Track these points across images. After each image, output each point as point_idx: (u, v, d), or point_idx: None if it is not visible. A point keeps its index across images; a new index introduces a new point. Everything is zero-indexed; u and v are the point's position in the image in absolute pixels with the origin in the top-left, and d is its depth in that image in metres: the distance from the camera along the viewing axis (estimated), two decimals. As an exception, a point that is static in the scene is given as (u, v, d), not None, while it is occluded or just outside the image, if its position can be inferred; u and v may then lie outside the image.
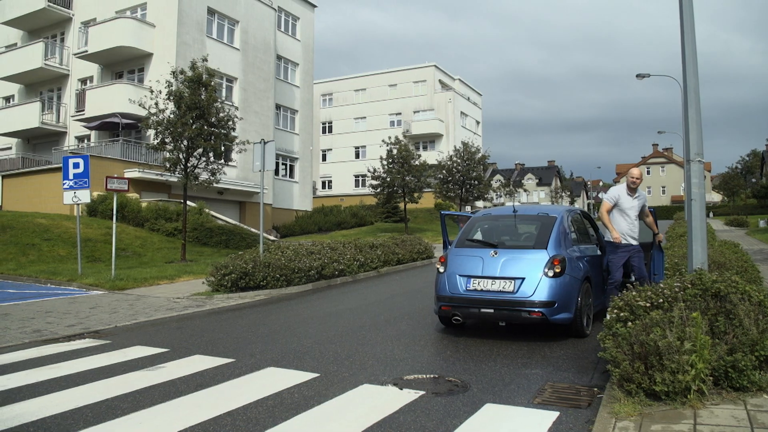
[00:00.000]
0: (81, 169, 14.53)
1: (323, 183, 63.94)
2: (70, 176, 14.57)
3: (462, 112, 63.98)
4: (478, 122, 70.34)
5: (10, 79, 35.70)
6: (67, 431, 4.50)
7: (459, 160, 42.14)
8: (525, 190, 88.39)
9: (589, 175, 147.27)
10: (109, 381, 5.92)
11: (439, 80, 63.39)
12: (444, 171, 42.63)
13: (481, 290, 7.44)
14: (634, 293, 5.74)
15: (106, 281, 13.80)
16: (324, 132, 65.01)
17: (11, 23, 35.89)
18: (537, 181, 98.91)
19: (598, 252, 8.88)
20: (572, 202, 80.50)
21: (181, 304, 11.28)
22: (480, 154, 42.79)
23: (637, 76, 33.15)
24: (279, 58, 39.07)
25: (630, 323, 5.21)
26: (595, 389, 5.38)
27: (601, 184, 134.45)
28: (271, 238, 25.80)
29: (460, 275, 7.69)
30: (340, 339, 7.88)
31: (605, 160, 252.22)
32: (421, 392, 5.37)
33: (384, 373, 6.06)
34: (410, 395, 5.29)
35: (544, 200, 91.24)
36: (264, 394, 5.33)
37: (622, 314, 5.54)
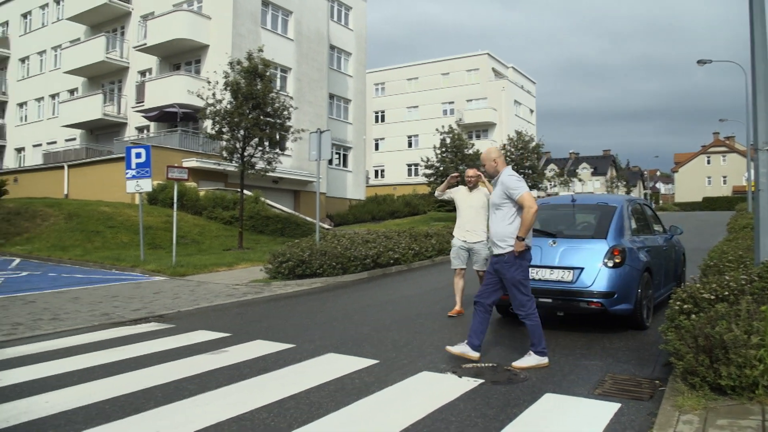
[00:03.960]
0: (143, 159, 14.94)
1: (376, 172, 64.17)
2: (133, 166, 14.99)
3: (515, 101, 63.27)
4: (531, 111, 69.45)
5: (74, 72, 36.91)
6: (139, 410, 4.69)
7: (512, 149, 41.71)
8: (580, 180, 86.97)
9: (646, 165, 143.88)
10: (175, 363, 6.14)
11: (493, 68, 62.77)
12: (498, 160, 42.13)
13: (539, 279, 7.41)
14: (698, 285, 5.64)
15: (168, 267, 14.21)
16: (377, 121, 65.20)
17: (75, 19, 37.07)
18: (592, 170, 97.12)
19: (660, 243, 8.73)
20: (628, 192, 78.77)
21: (240, 291, 11.54)
22: (534, 143, 42.29)
23: (699, 62, 32.23)
24: (332, 48, 39.29)
25: (694, 315, 5.12)
26: (657, 382, 5.32)
27: (658, 173, 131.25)
28: (326, 226, 26.07)
29: (518, 264, 7.67)
30: (397, 327, 7.96)
31: (663, 150, 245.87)
32: (480, 381, 5.40)
33: (442, 361, 6.11)
34: (469, 383, 5.33)
35: (599, 190, 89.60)
36: (325, 379, 5.44)
37: (685, 306, 5.45)
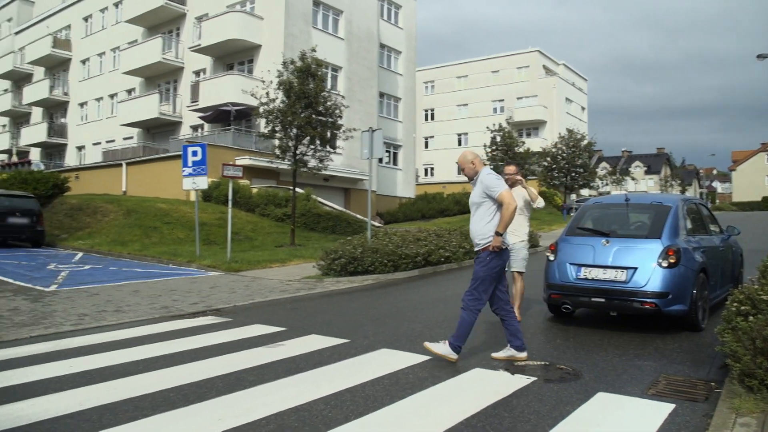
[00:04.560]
0: (199, 157, 15.35)
1: (425, 170, 64.21)
2: (189, 163, 15.41)
3: (566, 98, 62.51)
4: (583, 108, 68.48)
5: (132, 73, 38.01)
6: (202, 398, 4.90)
7: (564, 147, 41.25)
8: (632, 179, 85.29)
9: (702, 163, 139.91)
10: (234, 355, 6.35)
11: (543, 66, 62.13)
12: (548, 158, 41.87)
13: (592, 279, 7.40)
14: (756, 286, 5.56)
15: (223, 263, 14.57)
16: (426, 119, 65.25)
17: (133, 21, 38.14)
18: (645, 168, 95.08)
19: (716, 243, 8.59)
20: (683, 191, 76.87)
21: (294, 287, 11.78)
22: (585, 141, 41.69)
23: (758, 56, 31.22)
24: (382, 46, 39.47)
25: (751, 317, 5.07)
26: (713, 383, 5.28)
27: (715, 172, 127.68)
28: (377, 224, 26.27)
29: (570, 263, 7.68)
30: (449, 324, 8.02)
31: (720, 147, 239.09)
32: (533, 378, 5.45)
33: (494, 359, 6.17)
34: (522, 380, 5.39)
35: (652, 189, 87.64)
36: (380, 374, 5.57)
37: (743, 308, 5.39)
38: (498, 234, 5.89)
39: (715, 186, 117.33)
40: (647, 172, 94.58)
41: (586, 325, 7.93)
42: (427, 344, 6.15)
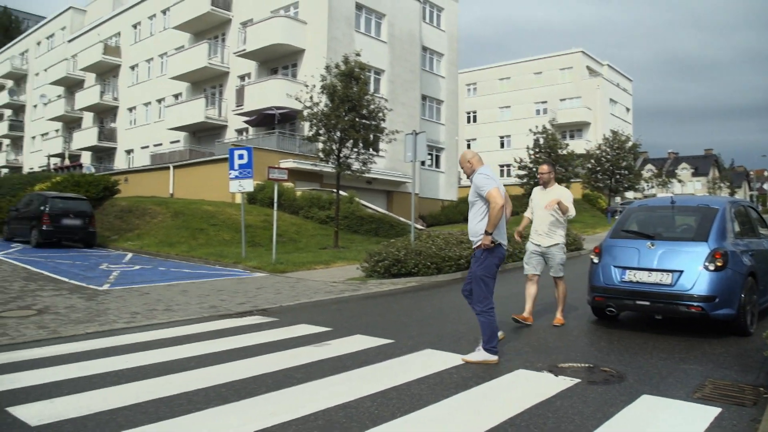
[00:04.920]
0: (245, 160, 15.66)
1: (467, 173, 63.86)
2: (236, 166, 15.73)
3: (611, 99, 61.61)
4: (628, 109, 67.42)
5: (179, 78, 38.92)
6: (252, 394, 5.06)
7: (608, 149, 40.70)
8: (679, 181, 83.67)
9: (753, 165, 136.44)
10: (282, 354, 6.52)
11: (587, 66, 61.38)
12: (592, 160, 41.36)
13: (637, 282, 7.37)
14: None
15: (268, 264, 14.84)
16: (468, 122, 65.06)
17: (180, 27, 39.02)
18: (692, 170, 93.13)
19: (766, 246, 8.45)
20: (732, 194, 75.08)
21: (338, 288, 11.96)
22: (630, 143, 41.03)
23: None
24: (424, 49, 39.56)
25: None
26: (762, 389, 5.23)
27: (766, 173, 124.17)
28: (419, 227, 26.35)
29: (615, 266, 7.66)
30: (491, 326, 8.09)
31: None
32: (577, 380, 5.48)
33: (539, 360, 6.22)
34: (566, 382, 5.42)
35: (700, 191, 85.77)
36: (425, 373, 5.67)
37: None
38: (487, 233, 6.02)
39: (767, 188, 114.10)
40: (694, 174, 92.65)
41: (631, 329, 7.89)
42: (465, 357, 6.19)
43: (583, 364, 6.04)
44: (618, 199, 46.04)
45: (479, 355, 6.12)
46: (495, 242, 6.11)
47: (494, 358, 6.09)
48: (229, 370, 5.85)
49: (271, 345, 6.96)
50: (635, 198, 45.73)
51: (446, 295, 11.19)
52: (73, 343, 7.12)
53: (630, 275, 7.48)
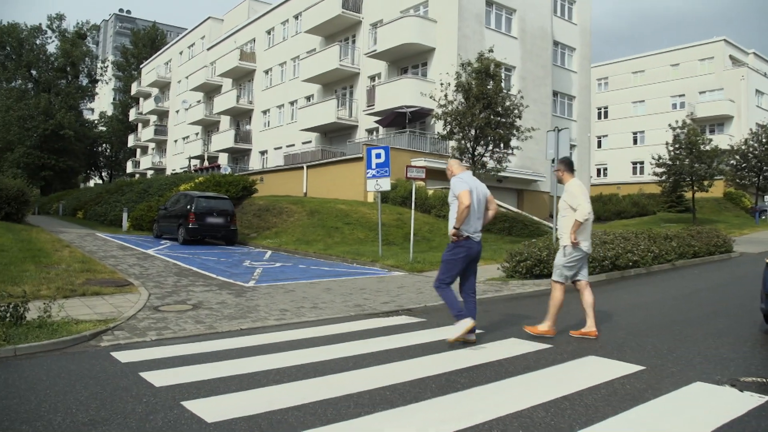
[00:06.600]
0: (382, 159, 15.74)
1: (598, 170, 61.59)
2: (373, 165, 15.85)
3: (757, 90, 57.07)
4: (777, 101, 62.37)
5: (310, 80, 40.02)
6: (418, 399, 4.93)
7: (755, 144, 37.84)
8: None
9: None
10: (439, 356, 6.37)
11: (730, 56, 57.29)
12: (737, 156, 38.60)
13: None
14: None
15: (405, 263, 14.82)
16: (599, 117, 62.64)
17: (311, 31, 40.14)
18: None
19: None
20: None
21: (479, 288, 11.54)
22: (780, 137, 37.99)
23: None
24: (555, 44, 38.40)
25: None
26: None
27: None
28: (551, 225, 25.56)
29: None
30: (654, 332, 7.59)
31: None
32: (766, 397, 4.95)
33: (716, 372, 5.71)
34: (754, 399, 4.91)
35: None
36: (594, 383, 5.33)
37: None
38: (455, 228, 6.82)
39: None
40: None
41: (818, 341, 7.13)
42: (449, 338, 6.87)
43: (765, 379, 5.47)
44: (767, 198, 42.68)
45: (456, 328, 6.77)
46: (462, 236, 6.84)
47: (467, 320, 6.76)
48: (389, 371, 5.77)
49: (425, 347, 6.84)
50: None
51: (596, 299, 10.62)
52: (228, 339, 7.29)
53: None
